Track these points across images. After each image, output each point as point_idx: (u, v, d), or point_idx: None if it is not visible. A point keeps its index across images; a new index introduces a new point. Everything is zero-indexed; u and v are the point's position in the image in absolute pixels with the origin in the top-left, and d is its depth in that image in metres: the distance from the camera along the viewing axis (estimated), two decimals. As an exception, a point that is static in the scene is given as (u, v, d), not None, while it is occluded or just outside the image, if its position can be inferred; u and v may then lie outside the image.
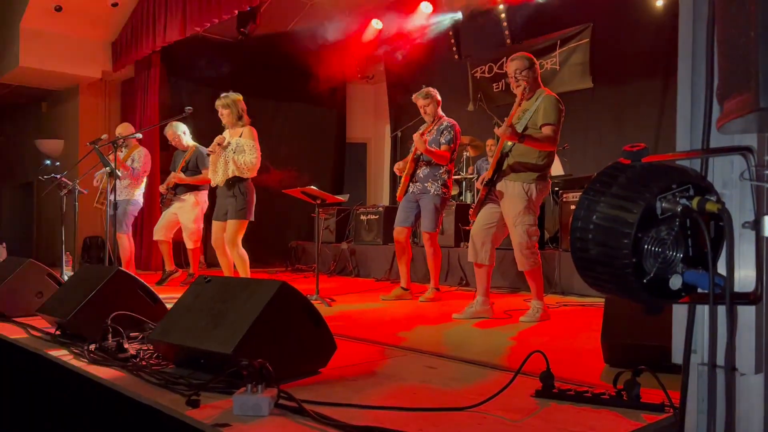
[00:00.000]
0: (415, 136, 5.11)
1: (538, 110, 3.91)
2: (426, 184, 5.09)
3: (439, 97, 5.19)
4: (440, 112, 5.22)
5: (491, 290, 4.27)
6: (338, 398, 2.07)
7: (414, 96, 5.23)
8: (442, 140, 5.03)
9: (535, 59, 4.10)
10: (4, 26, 8.74)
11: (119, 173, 6.04)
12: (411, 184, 5.18)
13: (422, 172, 5.12)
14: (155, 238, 6.31)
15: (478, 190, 4.27)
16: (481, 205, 4.16)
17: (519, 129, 3.94)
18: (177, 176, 6.09)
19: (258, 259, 7.51)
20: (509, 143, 4.00)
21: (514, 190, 3.94)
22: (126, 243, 6.35)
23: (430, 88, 5.22)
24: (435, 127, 5.11)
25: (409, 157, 5.22)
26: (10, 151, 11.62)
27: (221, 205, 5.11)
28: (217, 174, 5.06)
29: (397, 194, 5.32)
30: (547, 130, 3.86)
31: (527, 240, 3.90)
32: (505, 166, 4.00)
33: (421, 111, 5.19)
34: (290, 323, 2.40)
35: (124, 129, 6.49)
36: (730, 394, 1.17)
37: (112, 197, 5.91)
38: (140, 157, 6.44)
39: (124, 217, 6.30)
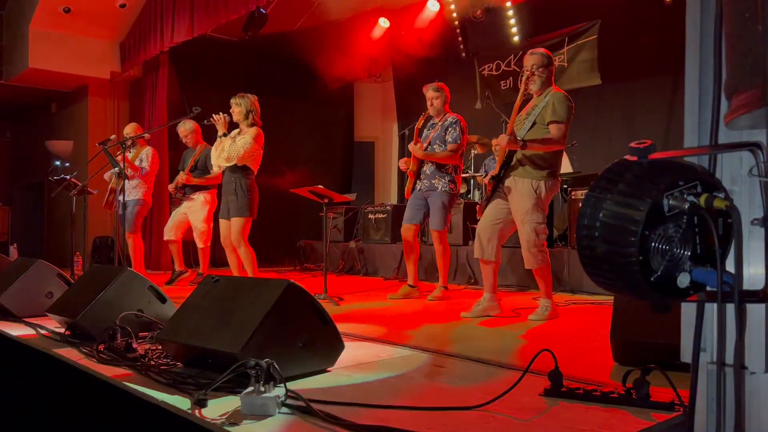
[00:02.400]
0: (411, 147, 5.07)
1: (547, 106, 3.90)
2: (433, 181, 5.06)
3: (448, 94, 5.17)
4: (447, 107, 5.20)
5: (499, 288, 4.26)
6: (346, 397, 2.06)
7: (425, 86, 5.20)
8: (449, 138, 4.99)
9: (553, 59, 4.08)
10: (13, 28, 8.81)
11: (128, 173, 6.10)
12: (418, 181, 5.15)
13: (429, 168, 5.08)
14: (166, 238, 6.34)
15: (485, 186, 4.25)
16: (488, 202, 4.14)
17: (528, 124, 3.93)
18: (185, 176, 6.11)
19: (266, 258, 7.55)
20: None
21: (523, 188, 3.91)
22: (135, 243, 6.39)
23: (443, 83, 5.21)
24: (440, 123, 5.08)
25: (410, 148, 5.18)
26: (20, 152, 11.71)
27: (225, 202, 5.16)
28: (215, 166, 5.15)
29: (405, 192, 5.31)
30: (553, 129, 3.84)
31: (535, 238, 3.88)
32: (513, 161, 3.97)
33: (428, 103, 5.13)
34: (298, 322, 2.40)
35: (132, 129, 6.54)
36: (739, 392, 1.16)
37: (121, 197, 5.98)
38: (148, 157, 6.48)
39: (132, 217, 6.34)
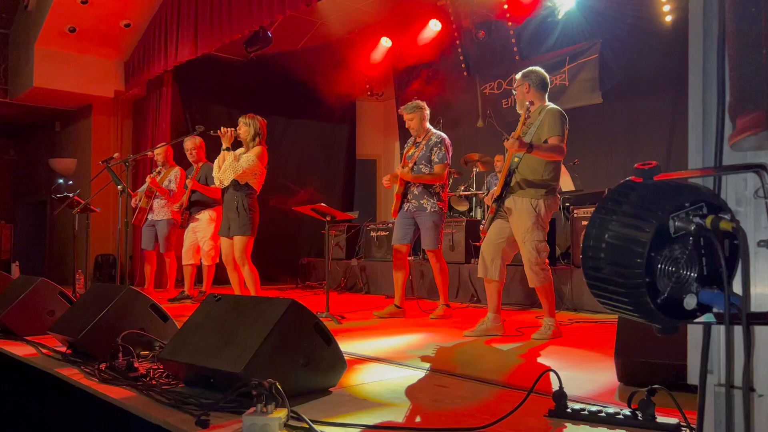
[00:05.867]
0: (398, 171, 5.02)
1: (542, 124, 3.92)
2: (421, 201, 5.03)
3: (427, 111, 5.13)
4: (427, 125, 5.15)
5: (503, 307, 4.24)
6: (349, 418, 2.05)
7: (400, 109, 5.21)
8: (435, 158, 4.98)
9: (538, 74, 4.07)
10: (19, 48, 8.89)
11: (131, 192, 6.15)
12: (405, 201, 5.12)
13: (416, 189, 5.05)
14: (185, 262, 6.40)
15: (488, 206, 4.25)
16: (490, 222, 4.15)
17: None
18: (191, 184, 6.12)
19: (268, 276, 7.55)
20: (516, 159, 3.99)
21: (522, 207, 3.92)
22: (170, 261, 6.64)
23: (418, 101, 5.18)
24: (424, 143, 5.05)
25: (397, 172, 5.16)
26: (23, 170, 11.75)
27: (225, 220, 5.15)
28: (216, 180, 5.16)
29: (392, 212, 5.26)
30: (553, 141, 3.86)
31: (536, 256, 3.88)
32: (513, 183, 4.00)
33: (406, 125, 5.13)
34: (300, 342, 2.39)
35: (161, 150, 6.67)
36: (748, 415, 1.15)
37: (149, 216, 6.14)
38: (177, 178, 6.61)
39: (165, 237, 6.50)
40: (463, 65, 9.08)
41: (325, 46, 9.10)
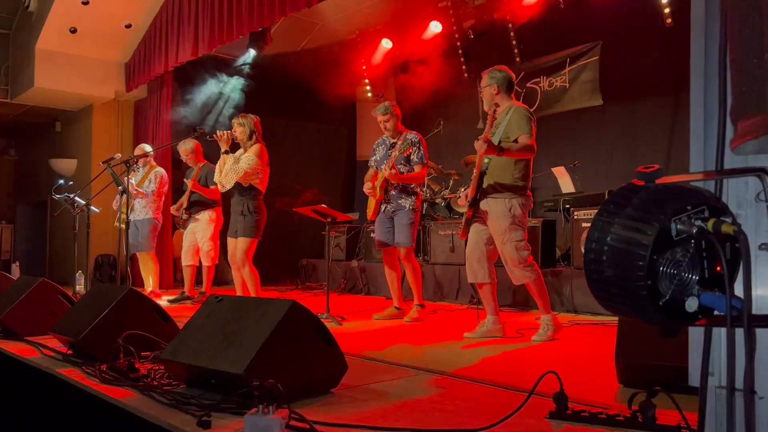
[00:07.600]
0: (384, 172, 4.94)
1: (510, 123, 3.92)
2: (400, 201, 5.03)
3: (398, 111, 5.11)
4: (400, 125, 5.13)
5: (502, 309, 4.23)
6: (349, 419, 2.05)
7: (372, 111, 5.18)
8: (414, 158, 4.97)
9: (504, 73, 4.05)
10: (20, 48, 8.90)
11: (132, 192, 6.16)
12: (383, 203, 5.11)
13: (394, 190, 5.06)
14: (184, 263, 6.39)
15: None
16: (468, 225, 4.13)
17: (494, 142, 3.93)
18: (192, 184, 6.12)
19: (268, 277, 7.55)
20: (486, 161, 3.98)
21: (497, 209, 3.93)
22: (153, 261, 6.57)
23: (387, 102, 5.17)
24: (399, 143, 5.02)
25: (372, 173, 5.18)
26: (24, 170, 11.76)
27: (233, 222, 5.16)
28: (218, 183, 5.16)
29: (370, 215, 5.22)
30: (522, 139, 3.86)
31: (518, 256, 3.87)
32: (486, 185, 4.00)
33: (381, 126, 5.10)
34: (301, 343, 2.40)
35: (140, 151, 6.65)
36: (749, 418, 1.15)
37: (131, 216, 6.14)
38: (156, 178, 6.60)
39: (146, 236, 6.48)
40: (463, 67, 9.08)
41: (326, 48, 9.11)
